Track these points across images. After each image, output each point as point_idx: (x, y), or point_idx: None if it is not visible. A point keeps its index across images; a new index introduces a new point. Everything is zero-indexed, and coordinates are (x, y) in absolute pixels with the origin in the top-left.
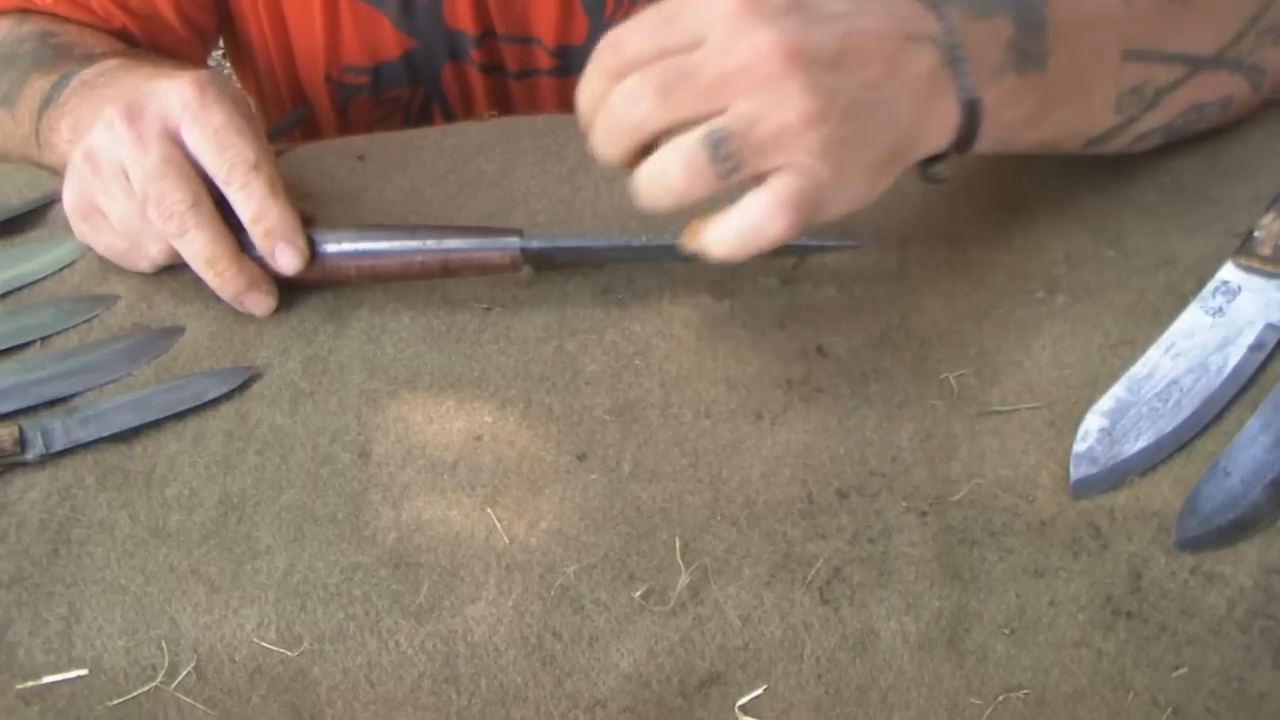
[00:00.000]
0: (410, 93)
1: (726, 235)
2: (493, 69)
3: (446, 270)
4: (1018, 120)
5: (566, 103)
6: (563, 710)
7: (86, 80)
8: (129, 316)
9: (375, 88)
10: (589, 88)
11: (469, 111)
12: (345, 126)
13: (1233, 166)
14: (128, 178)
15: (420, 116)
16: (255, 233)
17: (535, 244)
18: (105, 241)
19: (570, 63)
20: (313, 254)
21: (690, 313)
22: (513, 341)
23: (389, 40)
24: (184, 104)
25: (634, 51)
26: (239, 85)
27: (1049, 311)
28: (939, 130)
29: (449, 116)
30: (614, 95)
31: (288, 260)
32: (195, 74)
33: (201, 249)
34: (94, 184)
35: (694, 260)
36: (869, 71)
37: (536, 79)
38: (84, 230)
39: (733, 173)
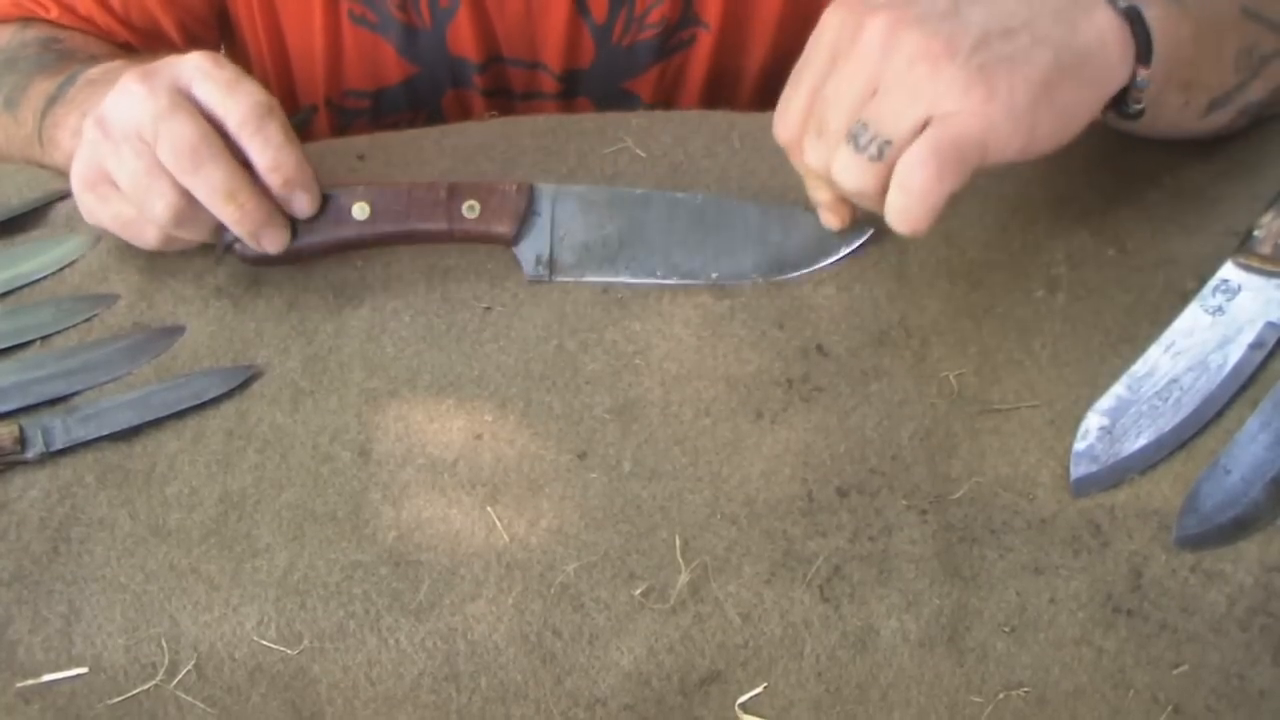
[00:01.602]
0: (411, 117)
1: (892, 208)
2: (496, 92)
3: (451, 219)
4: (1179, 45)
5: None
6: (563, 708)
7: (92, 78)
8: (129, 315)
9: (376, 112)
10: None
11: None
12: None
13: (1233, 166)
14: (139, 138)
15: None
16: (273, 181)
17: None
18: (112, 210)
19: (575, 86)
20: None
21: (690, 312)
22: (513, 341)
23: (391, 66)
24: (196, 65)
25: (796, 106)
26: None
27: (1049, 310)
28: (1107, 43)
29: None
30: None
31: (303, 205)
32: (203, 51)
33: (220, 181)
34: (104, 148)
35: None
36: (998, 5)
37: (540, 101)
38: (91, 203)
39: (884, 150)
